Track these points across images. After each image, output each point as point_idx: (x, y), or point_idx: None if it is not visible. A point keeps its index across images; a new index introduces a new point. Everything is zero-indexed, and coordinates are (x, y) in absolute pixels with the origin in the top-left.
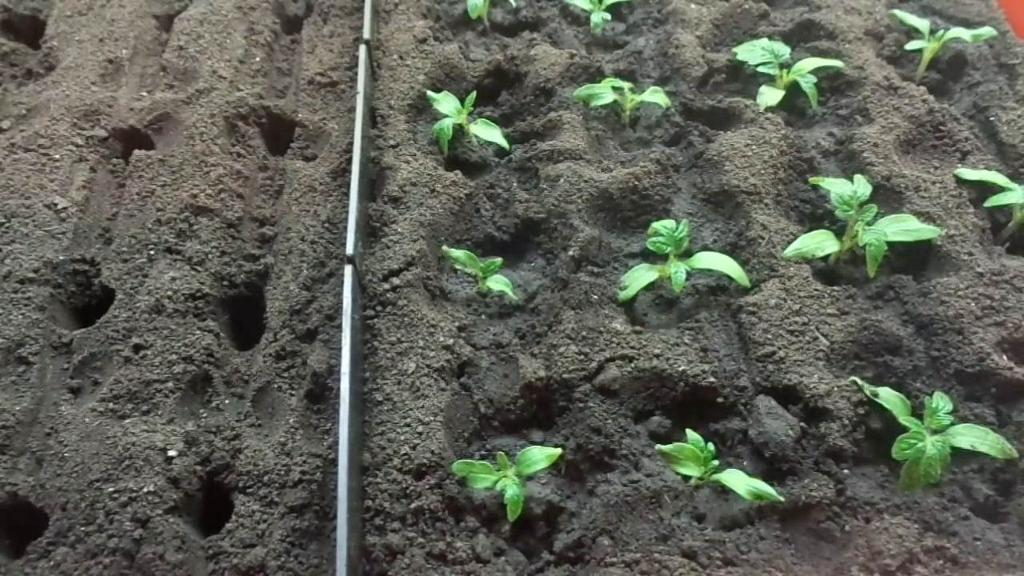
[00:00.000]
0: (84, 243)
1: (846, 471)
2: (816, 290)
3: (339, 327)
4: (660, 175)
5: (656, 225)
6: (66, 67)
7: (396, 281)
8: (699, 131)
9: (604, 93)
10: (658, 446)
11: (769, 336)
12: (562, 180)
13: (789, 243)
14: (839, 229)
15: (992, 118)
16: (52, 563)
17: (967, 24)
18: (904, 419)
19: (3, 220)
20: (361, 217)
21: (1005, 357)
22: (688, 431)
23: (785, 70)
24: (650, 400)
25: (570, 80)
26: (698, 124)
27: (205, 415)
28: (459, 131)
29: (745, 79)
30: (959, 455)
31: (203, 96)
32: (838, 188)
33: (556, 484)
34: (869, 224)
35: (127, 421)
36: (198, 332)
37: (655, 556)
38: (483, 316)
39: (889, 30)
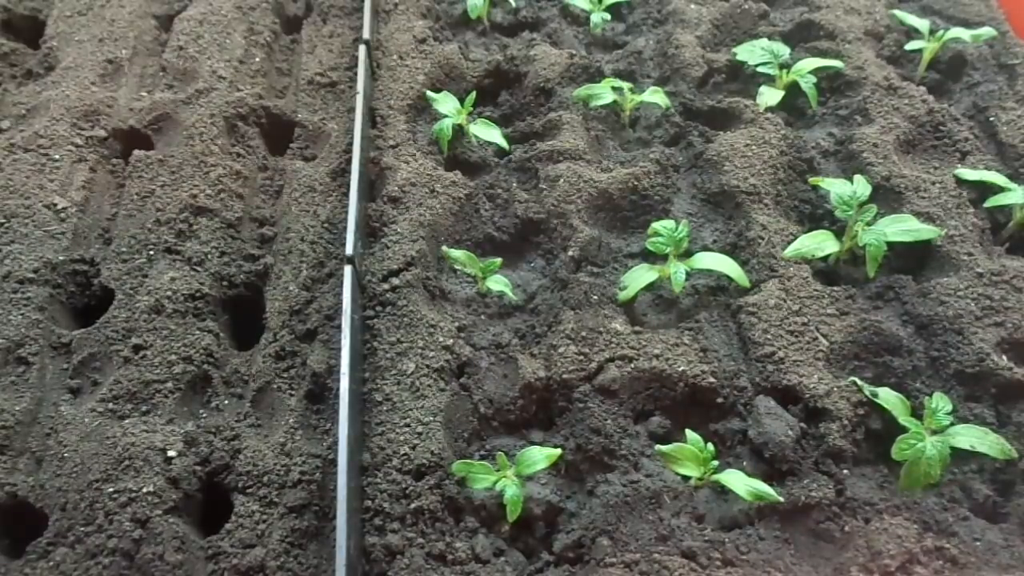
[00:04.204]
0: (84, 243)
1: (846, 471)
2: (816, 290)
3: (339, 327)
4: (660, 175)
5: (656, 225)
6: (66, 67)
7: (396, 281)
8: (699, 131)
9: (604, 93)
10: (658, 446)
11: (769, 336)
12: (562, 180)
13: (789, 243)
14: (839, 229)
15: (992, 118)
16: (52, 563)
17: (967, 24)
18: (904, 419)
19: (3, 220)
20: (361, 217)
21: (1005, 357)
22: (688, 431)
23: (785, 70)
24: (650, 400)
25: (570, 80)
26: (698, 124)
27: (205, 415)
28: (459, 131)
29: (745, 79)
30: (959, 455)
31: (203, 96)
32: (838, 188)
33: (556, 484)
34: (869, 224)
35: (127, 421)
36: (198, 332)
37: (655, 556)
38: (483, 316)
39: (889, 30)
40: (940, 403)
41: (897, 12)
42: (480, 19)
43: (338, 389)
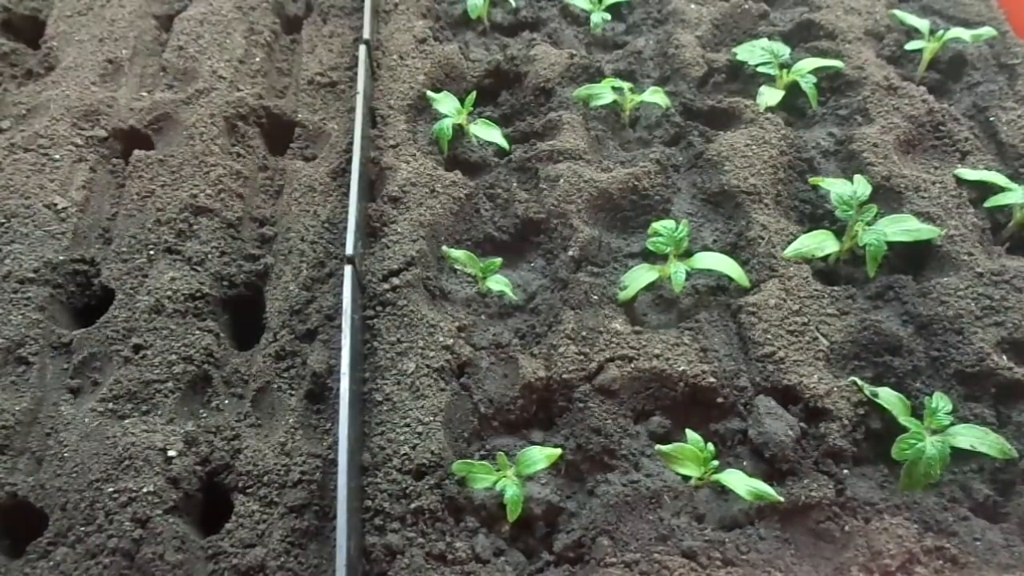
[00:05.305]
0: (84, 243)
1: (846, 471)
2: (816, 290)
3: (339, 327)
4: (660, 175)
5: (656, 225)
6: (66, 67)
7: (396, 281)
8: (699, 131)
9: (604, 93)
10: (658, 446)
11: (769, 336)
12: (562, 180)
13: (789, 243)
14: (839, 229)
15: (992, 118)
16: (52, 563)
17: (967, 24)
18: (904, 419)
19: (3, 220)
20: (361, 217)
21: (1005, 357)
22: (688, 431)
23: (785, 70)
24: (650, 400)
25: (570, 80)
26: (698, 124)
27: (205, 415)
28: (459, 131)
29: (745, 79)
30: (959, 455)
31: (203, 96)
32: (838, 188)
33: (556, 484)
34: (869, 224)
35: (127, 421)
36: (198, 332)
37: (655, 556)
38: (483, 316)
39: (889, 30)
40: (940, 403)
41: (897, 12)
42: (480, 19)
43: (338, 389)
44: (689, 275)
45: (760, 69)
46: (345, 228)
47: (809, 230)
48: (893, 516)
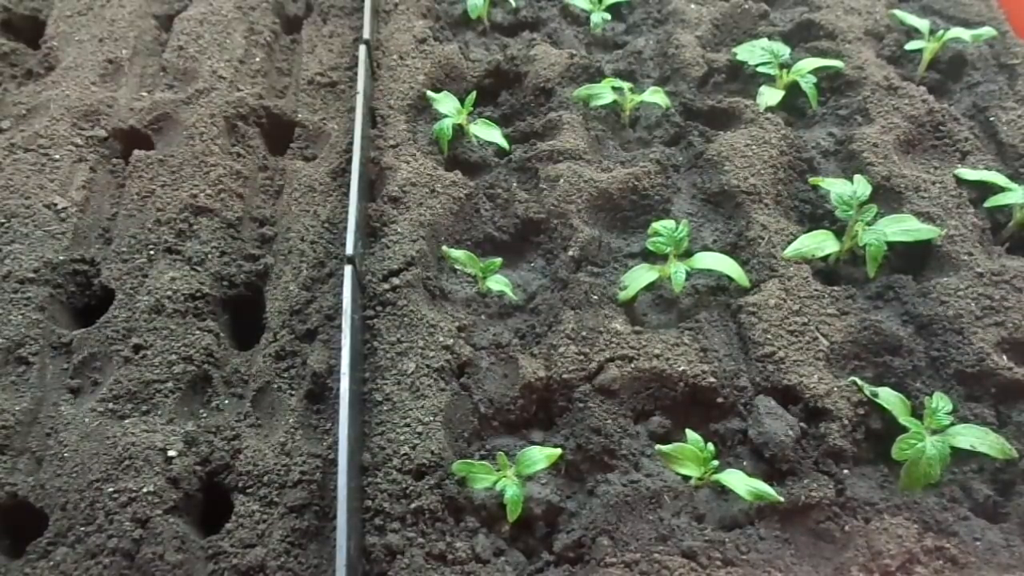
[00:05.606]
0: (84, 243)
1: (846, 471)
2: (816, 290)
3: (339, 327)
4: (660, 175)
5: (656, 225)
6: (66, 67)
7: (396, 281)
8: (699, 131)
9: (604, 93)
10: (658, 446)
11: (769, 336)
12: (562, 180)
13: (789, 243)
14: (839, 229)
15: (992, 118)
16: (52, 563)
17: (967, 24)
18: (904, 419)
19: (3, 220)
20: (361, 217)
21: (1005, 357)
22: (688, 431)
23: (785, 70)
24: (650, 400)
25: (570, 80)
26: (698, 124)
27: (205, 415)
28: (459, 131)
29: (745, 79)
30: (959, 455)
31: (203, 96)
32: (838, 188)
33: (556, 484)
34: (869, 224)
35: (127, 421)
36: (198, 332)
37: (655, 556)
38: (483, 316)
39: (889, 30)
40: (940, 403)
41: (897, 12)
42: (480, 19)
43: (338, 389)
44: (689, 275)
45: (760, 69)
46: (345, 228)
47: (809, 230)
48: (893, 516)
